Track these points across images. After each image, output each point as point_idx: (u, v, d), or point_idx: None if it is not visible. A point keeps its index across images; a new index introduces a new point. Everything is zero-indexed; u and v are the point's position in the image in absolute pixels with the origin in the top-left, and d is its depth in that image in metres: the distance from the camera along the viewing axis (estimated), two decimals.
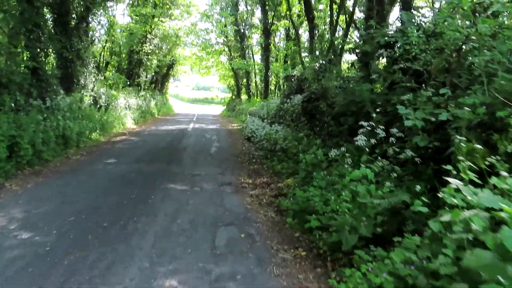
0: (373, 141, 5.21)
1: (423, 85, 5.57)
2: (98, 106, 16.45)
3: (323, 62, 10.38)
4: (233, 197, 6.70)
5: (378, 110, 5.82)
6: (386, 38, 6.68)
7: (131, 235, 4.75)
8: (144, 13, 26.16)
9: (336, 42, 18.94)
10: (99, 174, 7.98)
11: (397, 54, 6.27)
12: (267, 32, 26.15)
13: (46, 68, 12.59)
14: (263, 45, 27.14)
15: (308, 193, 5.29)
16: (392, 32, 6.99)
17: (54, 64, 15.07)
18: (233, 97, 46.16)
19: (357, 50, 9.74)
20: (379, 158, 4.99)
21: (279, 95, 36.30)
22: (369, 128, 5.31)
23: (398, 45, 6.24)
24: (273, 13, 27.03)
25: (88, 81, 15.72)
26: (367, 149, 5.28)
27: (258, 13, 33.78)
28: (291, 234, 4.99)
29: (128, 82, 28.70)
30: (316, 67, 10.22)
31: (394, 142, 4.89)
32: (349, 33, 21.27)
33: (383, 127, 5.16)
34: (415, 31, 6.06)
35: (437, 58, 5.35)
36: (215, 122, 26.84)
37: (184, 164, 9.51)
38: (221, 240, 4.72)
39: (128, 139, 13.98)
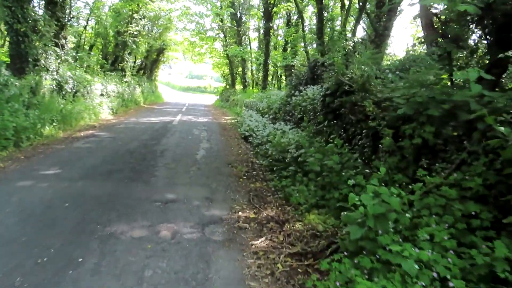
0: None
1: None
2: (63, 93, 13.51)
3: (354, 42, 7.54)
4: (225, 260, 3.89)
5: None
6: None
7: None
8: None
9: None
10: (11, 203, 5.09)
11: None
12: (268, 15, 23.15)
13: None
14: (264, 29, 24.12)
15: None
16: None
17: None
18: (227, 86, 43.26)
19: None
20: None
21: (277, 86, 33.40)
22: None
23: None
24: None
25: (49, 61, 12.71)
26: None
27: None
28: None
29: (111, 67, 25.82)
30: (350, 46, 7.41)
31: None
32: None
33: None
34: None
35: None
36: (207, 114, 23.93)
37: (156, 181, 6.66)
38: None
39: (95, 135, 11.08)
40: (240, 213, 5.27)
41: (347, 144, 6.10)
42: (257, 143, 10.05)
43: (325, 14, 18.92)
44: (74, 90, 14.41)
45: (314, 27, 23.95)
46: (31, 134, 9.20)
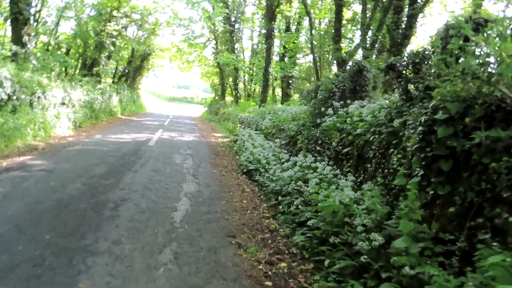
0: None
1: None
2: None
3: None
4: None
5: None
6: None
7: None
8: None
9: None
10: None
11: None
12: (271, 14, 19.59)
13: None
14: (265, 30, 20.55)
15: None
16: None
17: None
18: (216, 97, 39.62)
19: None
20: None
21: (271, 99, 29.75)
22: None
23: None
24: None
25: None
26: None
27: None
28: None
29: (88, 71, 22.11)
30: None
31: None
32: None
33: None
34: None
35: None
36: (193, 130, 20.17)
37: None
38: None
39: (23, 167, 7.19)
40: None
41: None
42: (272, 189, 6.34)
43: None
44: (14, 97, 10.53)
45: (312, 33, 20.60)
46: None
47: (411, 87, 5.14)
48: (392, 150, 4.80)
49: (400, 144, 4.68)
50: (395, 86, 5.81)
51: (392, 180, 4.58)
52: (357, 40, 21.38)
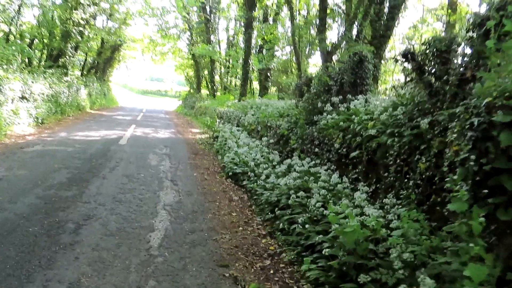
0: None
1: None
2: None
3: None
4: None
5: None
6: None
7: None
8: None
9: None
10: None
11: None
12: (251, 2, 18.48)
13: None
14: (245, 19, 19.44)
15: None
16: None
17: None
18: (191, 91, 38.25)
19: None
20: None
21: (251, 92, 28.74)
22: None
23: None
24: None
25: None
26: None
27: None
28: None
29: (53, 63, 20.50)
30: None
31: None
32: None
33: None
34: None
35: None
36: (169, 125, 19.00)
37: None
38: None
39: None
40: None
41: None
42: (267, 199, 5.40)
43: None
44: None
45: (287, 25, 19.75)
46: None
47: (432, 80, 4.30)
48: (418, 156, 3.95)
49: (429, 150, 3.84)
50: (410, 79, 4.96)
51: (424, 194, 3.72)
52: (334, 31, 20.68)
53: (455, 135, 3.23)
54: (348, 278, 3.26)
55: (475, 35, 3.80)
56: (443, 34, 17.47)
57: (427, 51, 4.40)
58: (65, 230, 4.19)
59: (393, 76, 25.32)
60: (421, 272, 2.73)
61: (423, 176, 3.78)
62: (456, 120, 3.27)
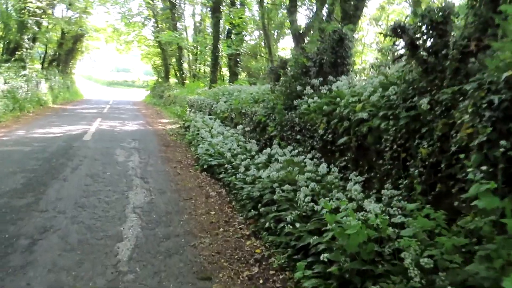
0: None
1: None
2: None
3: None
4: None
5: None
6: None
7: None
8: None
9: None
10: None
11: None
12: None
13: None
14: (212, 4, 18.59)
15: None
16: None
17: None
18: (159, 80, 37.04)
19: None
20: None
21: (221, 78, 28.01)
22: None
23: None
24: None
25: None
26: None
27: None
28: None
29: (9, 56, 19.16)
30: None
31: None
32: None
33: None
34: None
35: None
36: (137, 116, 18.14)
37: None
38: None
39: None
40: None
41: None
42: (249, 194, 4.90)
43: None
44: None
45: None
46: None
47: (426, 55, 3.86)
48: (418, 141, 3.52)
49: (430, 133, 3.41)
50: (399, 55, 4.52)
51: (428, 183, 3.31)
52: (303, 13, 20.16)
53: (467, 116, 2.80)
54: (351, 286, 2.82)
55: (477, 3, 3.36)
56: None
57: (420, 23, 3.95)
58: (16, 249, 3.56)
59: (361, 58, 25.16)
60: (441, 280, 2.31)
61: (426, 163, 3.36)
62: (467, 98, 2.84)
